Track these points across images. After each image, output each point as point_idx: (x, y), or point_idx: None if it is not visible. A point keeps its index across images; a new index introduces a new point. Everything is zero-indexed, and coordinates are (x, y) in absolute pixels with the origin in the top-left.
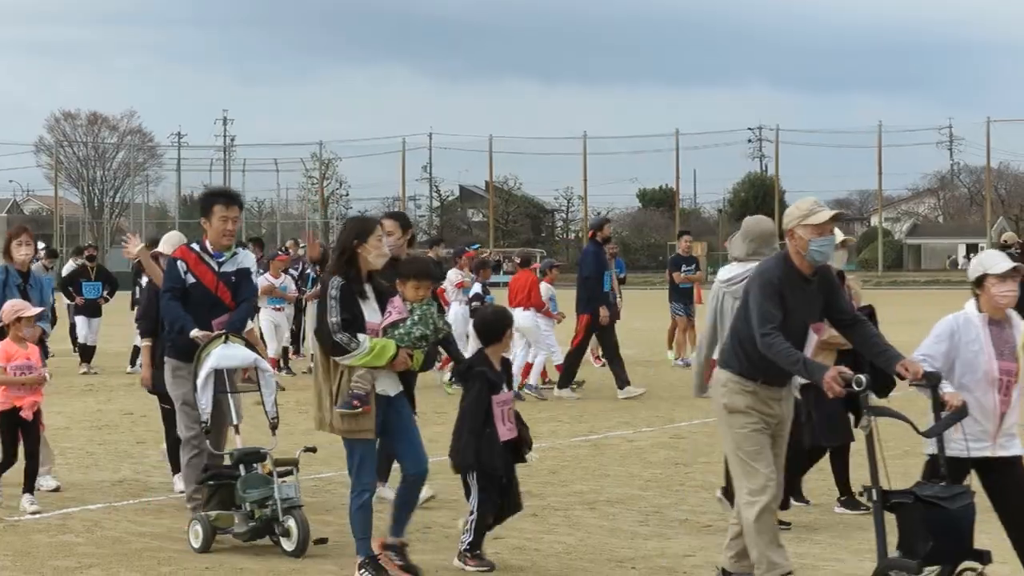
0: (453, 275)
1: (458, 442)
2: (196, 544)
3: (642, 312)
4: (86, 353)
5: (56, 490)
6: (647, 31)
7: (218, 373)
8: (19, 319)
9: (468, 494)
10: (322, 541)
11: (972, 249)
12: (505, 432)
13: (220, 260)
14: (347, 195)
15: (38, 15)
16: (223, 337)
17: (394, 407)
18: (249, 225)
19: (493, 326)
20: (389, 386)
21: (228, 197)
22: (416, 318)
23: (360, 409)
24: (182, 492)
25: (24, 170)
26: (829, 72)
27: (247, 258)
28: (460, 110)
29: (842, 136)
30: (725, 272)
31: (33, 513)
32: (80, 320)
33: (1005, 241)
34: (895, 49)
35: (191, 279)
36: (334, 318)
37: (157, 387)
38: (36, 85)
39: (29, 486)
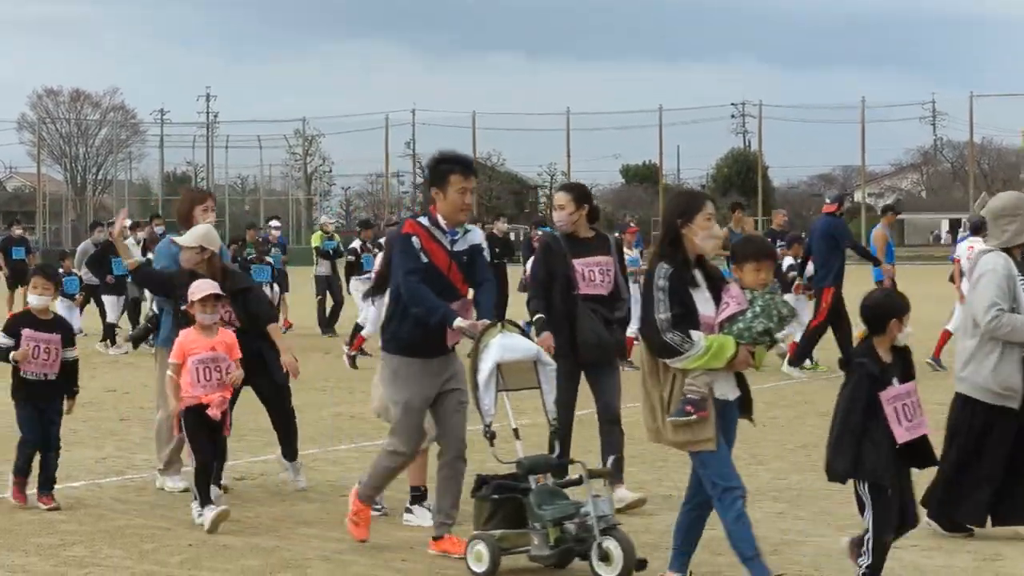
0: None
1: (831, 444)
2: (479, 569)
3: None
4: (110, 332)
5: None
6: (632, 6)
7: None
8: (192, 302)
9: (861, 508)
10: (642, 566)
11: (955, 224)
12: (902, 433)
13: (454, 238)
14: (330, 172)
15: None
16: (499, 326)
17: (725, 416)
18: (232, 202)
19: (877, 313)
20: (728, 390)
21: (466, 165)
22: (758, 309)
23: (694, 416)
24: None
25: (6, 147)
26: (813, 48)
27: (477, 233)
28: (444, 86)
29: (825, 111)
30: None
31: (209, 529)
32: (109, 300)
33: (981, 217)
34: (878, 24)
35: (424, 259)
36: (663, 314)
37: None
38: (18, 62)
39: (204, 497)
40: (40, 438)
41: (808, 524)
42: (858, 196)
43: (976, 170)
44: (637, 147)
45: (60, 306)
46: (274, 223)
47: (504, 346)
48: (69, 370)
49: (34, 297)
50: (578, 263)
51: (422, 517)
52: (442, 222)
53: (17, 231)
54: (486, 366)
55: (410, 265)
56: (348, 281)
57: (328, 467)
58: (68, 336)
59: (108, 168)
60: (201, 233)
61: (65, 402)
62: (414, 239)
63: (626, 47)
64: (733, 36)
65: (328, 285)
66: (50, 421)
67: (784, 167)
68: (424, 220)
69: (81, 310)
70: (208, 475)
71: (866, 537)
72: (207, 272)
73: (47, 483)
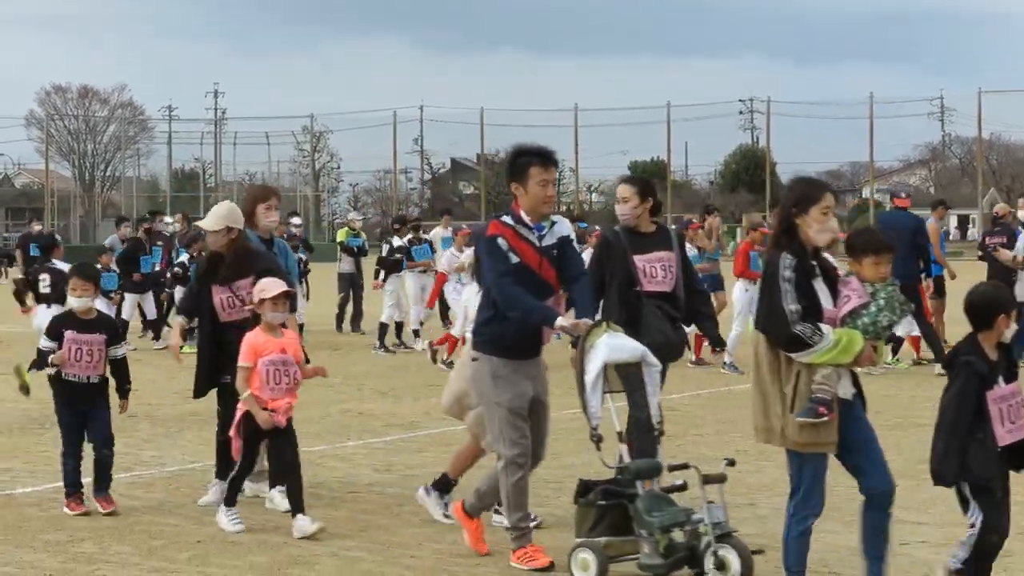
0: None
1: (938, 446)
2: None
3: None
4: (152, 327)
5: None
6: (639, 2)
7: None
8: (262, 300)
9: (965, 507)
10: (758, 552)
11: (963, 220)
12: (1004, 435)
13: (540, 233)
14: (338, 168)
15: None
16: (604, 325)
17: (852, 413)
18: (240, 199)
19: (984, 308)
20: (847, 387)
21: (545, 157)
22: (882, 302)
23: (826, 417)
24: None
25: (15, 143)
26: (821, 43)
27: (564, 225)
28: (453, 82)
29: (833, 108)
30: None
31: (312, 536)
32: (131, 298)
33: (997, 212)
34: (887, 19)
35: (514, 259)
36: (792, 305)
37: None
38: (27, 58)
39: (296, 504)
40: (79, 443)
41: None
42: (866, 192)
43: (984, 166)
44: (645, 143)
45: (99, 303)
46: (295, 220)
47: (611, 346)
48: (118, 368)
49: (74, 299)
50: (639, 259)
51: (434, 507)
52: (526, 218)
53: (37, 227)
54: (594, 367)
55: (500, 268)
56: (385, 278)
57: (336, 463)
58: (113, 335)
59: (116, 165)
60: (224, 213)
61: (119, 401)
62: (500, 240)
63: (633, 43)
64: (741, 32)
65: (351, 282)
66: (97, 419)
67: (792, 163)
68: (507, 218)
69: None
70: (241, 484)
71: (969, 534)
72: (231, 252)
73: (103, 483)
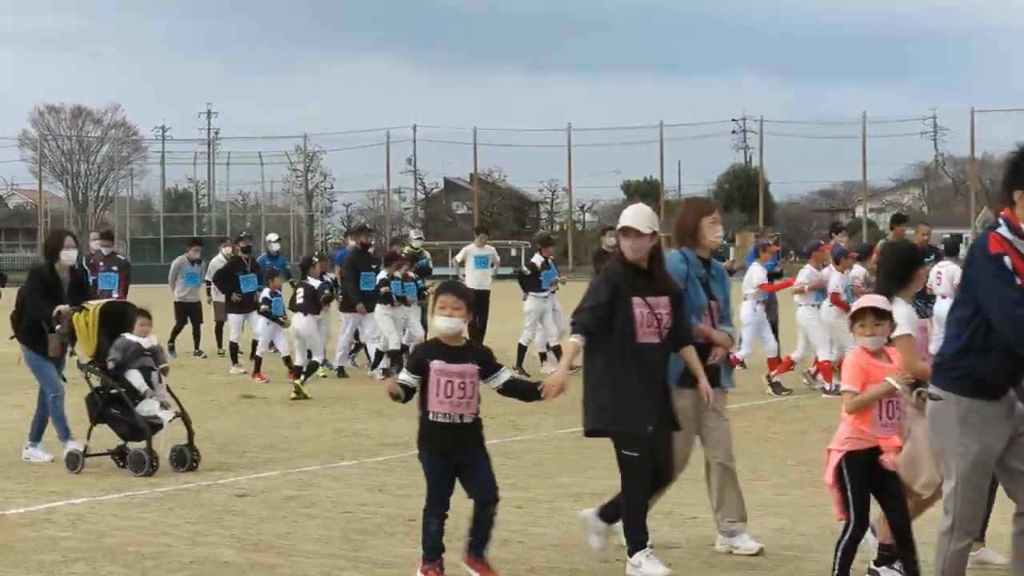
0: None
1: None
2: None
3: None
4: (234, 350)
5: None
6: (634, 20)
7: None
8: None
9: None
10: None
11: (956, 240)
12: None
13: None
14: (331, 188)
15: (20, 4)
16: None
17: None
18: (233, 218)
19: None
20: None
21: None
22: None
23: None
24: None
25: (8, 164)
26: (815, 61)
27: None
28: (445, 101)
29: (826, 127)
30: None
31: None
32: (235, 319)
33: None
34: (880, 38)
35: (1017, 282)
36: None
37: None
38: (19, 76)
39: (844, 566)
40: (448, 498)
41: (810, 539)
42: (859, 212)
43: (977, 185)
44: (638, 162)
45: (265, 327)
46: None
47: None
48: (515, 390)
49: (442, 319)
50: None
51: None
52: None
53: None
54: None
55: (1012, 295)
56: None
57: (330, 483)
58: (488, 364)
59: (109, 185)
60: (651, 216)
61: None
62: (1007, 259)
63: (627, 61)
64: (735, 49)
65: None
66: (477, 469)
67: (785, 182)
68: (1005, 231)
69: (180, 329)
70: (855, 550)
71: None
72: (652, 263)
73: (482, 545)
